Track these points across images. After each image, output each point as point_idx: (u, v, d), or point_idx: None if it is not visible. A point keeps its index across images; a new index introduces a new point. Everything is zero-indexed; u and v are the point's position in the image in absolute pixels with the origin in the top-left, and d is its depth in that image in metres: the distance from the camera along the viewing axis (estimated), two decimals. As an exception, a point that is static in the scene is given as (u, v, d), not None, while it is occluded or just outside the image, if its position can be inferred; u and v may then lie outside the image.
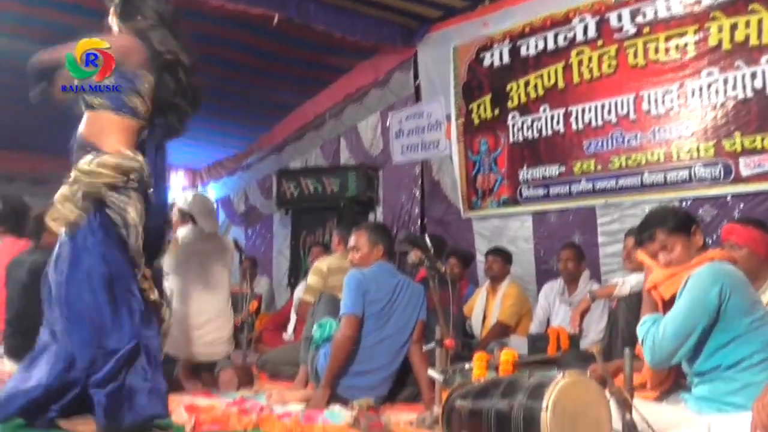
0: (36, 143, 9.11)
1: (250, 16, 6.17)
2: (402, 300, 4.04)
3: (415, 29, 7.22)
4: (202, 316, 4.51)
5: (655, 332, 2.68)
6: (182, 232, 4.67)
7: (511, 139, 6.47)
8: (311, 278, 4.83)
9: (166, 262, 4.45)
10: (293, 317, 6.12)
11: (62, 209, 3.02)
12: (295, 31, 6.58)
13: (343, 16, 6.64)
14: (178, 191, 11.26)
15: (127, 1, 3.32)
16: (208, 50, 7.13)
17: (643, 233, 2.88)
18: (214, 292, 4.57)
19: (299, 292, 6.24)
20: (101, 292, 2.94)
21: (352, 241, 4.23)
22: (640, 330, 2.77)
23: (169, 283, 4.44)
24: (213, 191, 11.23)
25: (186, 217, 4.73)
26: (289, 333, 6.14)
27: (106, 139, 3.08)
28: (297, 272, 8.12)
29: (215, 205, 5.37)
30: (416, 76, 7.49)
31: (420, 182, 7.50)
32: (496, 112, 6.58)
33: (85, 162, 3.02)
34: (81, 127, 3.15)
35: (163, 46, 3.29)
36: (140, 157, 3.09)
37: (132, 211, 3.02)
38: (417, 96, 7.49)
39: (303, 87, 8.33)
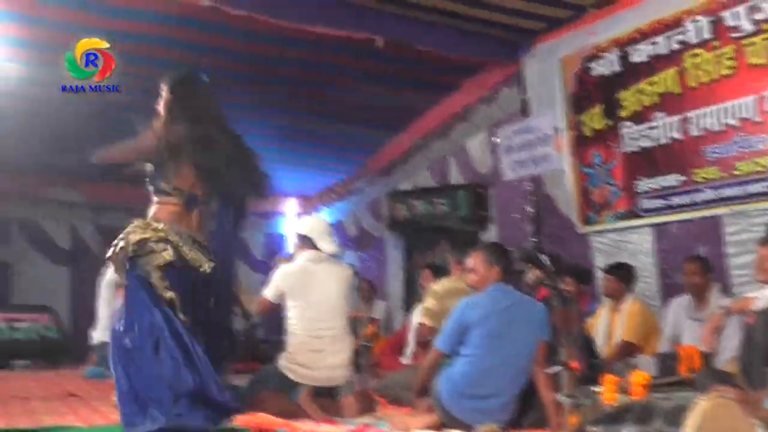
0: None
1: (353, 40, 6.24)
2: (521, 321, 3.93)
3: (520, 43, 7.10)
4: (322, 340, 4.53)
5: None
6: (303, 256, 4.71)
7: (625, 150, 6.25)
8: (428, 301, 4.79)
9: (288, 287, 4.51)
10: (411, 341, 6.09)
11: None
12: (399, 52, 6.60)
13: (446, 34, 6.62)
14: (292, 218, 11.52)
15: (176, 97, 3.56)
16: (314, 77, 7.29)
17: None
18: (334, 316, 4.59)
19: (416, 315, 6.21)
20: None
21: (468, 262, 4.17)
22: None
23: (289, 308, 4.50)
24: (321, 215, 11.40)
25: (305, 241, 4.78)
26: (406, 357, 6.10)
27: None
28: (411, 295, 8.10)
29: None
30: (523, 91, 7.36)
31: (532, 198, 7.36)
32: (608, 122, 6.38)
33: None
34: None
35: (199, 140, 3.48)
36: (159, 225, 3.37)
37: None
38: (524, 110, 7.35)
39: (409, 108, 8.34)
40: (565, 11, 6.54)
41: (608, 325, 5.65)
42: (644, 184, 6.11)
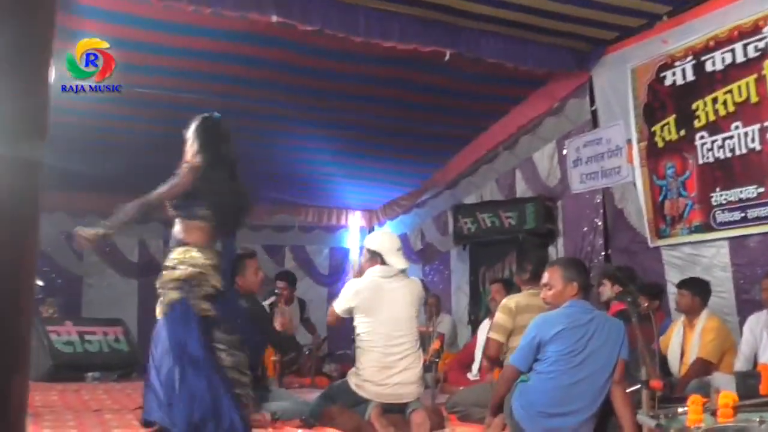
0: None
1: (421, 54, 6.22)
2: (599, 337, 3.83)
3: (589, 53, 6.98)
4: (392, 356, 4.49)
5: None
6: (373, 271, 4.69)
7: (700, 161, 6.06)
8: (499, 316, 4.70)
9: (359, 303, 4.50)
10: (478, 356, 6.00)
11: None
12: (466, 65, 6.56)
13: (514, 45, 6.54)
14: (356, 232, 11.53)
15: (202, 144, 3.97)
16: (379, 92, 7.29)
17: None
18: (405, 331, 4.55)
19: (483, 330, 6.13)
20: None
21: (545, 277, 4.08)
22: None
23: (359, 324, 4.48)
24: (389, 230, 11.38)
25: (375, 256, 4.76)
26: (474, 372, 6.02)
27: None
28: (477, 309, 8.02)
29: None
30: (592, 101, 7.23)
31: (602, 211, 7.20)
32: (682, 132, 6.21)
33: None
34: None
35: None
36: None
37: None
38: (594, 122, 7.22)
39: (475, 120, 8.28)
40: (636, 20, 6.41)
41: (682, 342, 5.48)
42: (720, 197, 5.92)
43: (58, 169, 4.81)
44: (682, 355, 5.47)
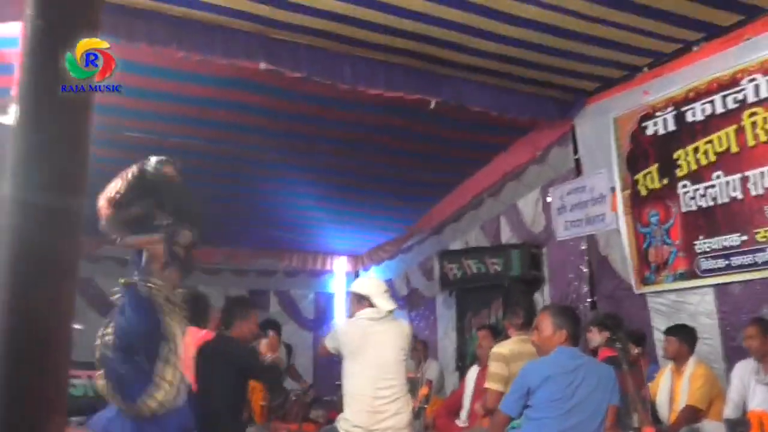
0: (206, 237, 9.60)
1: (407, 101, 6.30)
2: (588, 384, 3.82)
3: (572, 102, 7.10)
4: (382, 400, 4.45)
5: None
6: (362, 314, 4.68)
7: (683, 209, 6.13)
8: (494, 365, 4.68)
9: (346, 344, 4.49)
10: (466, 403, 5.97)
11: None
12: (451, 113, 6.65)
13: (498, 95, 6.64)
14: (342, 277, 11.52)
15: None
16: (365, 138, 7.35)
17: None
18: (394, 375, 4.52)
19: (472, 376, 6.11)
20: None
21: (536, 321, 4.11)
22: None
23: (347, 367, 4.46)
24: (374, 275, 11.37)
25: (362, 300, 4.76)
26: (462, 419, 5.98)
27: None
28: (464, 355, 7.98)
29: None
30: (575, 150, 7.33)
31: (587, 258, 7.23)
32: (665, 181, 6.29)
33: None
34: None
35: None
36: None
37: None
38: (578, 169, 7.31)
39: (460, 167, 8.37)
40: (618, 71, 6.54)
41: (671, 389, 5.48)
42: (704, 244, 5.98)
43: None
44: (671, 402, 5.47)
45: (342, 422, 4.50)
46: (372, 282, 4.99)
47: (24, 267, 0.96)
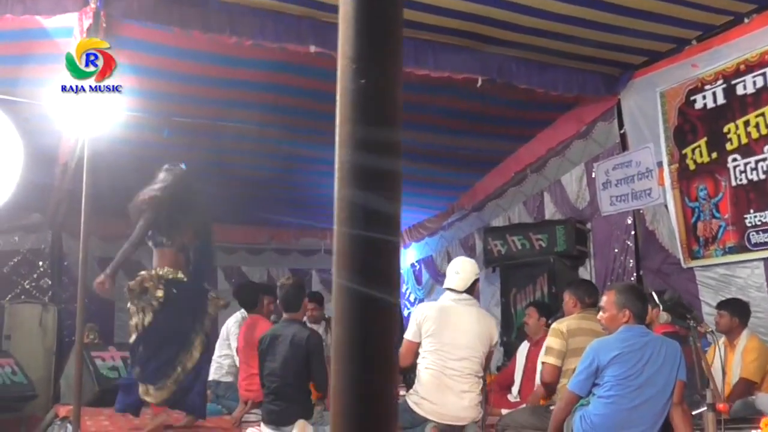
0: (251, 218, 9.75)
1: (453, 80, 6.33)
2: (656, 361, 3.87)
3: (618, 77, 7.07)
4: (452, 379, 4.49)
5: None
6: (444, 295, 4.76)
7: (733, 183, 6.12)
8: (551, 340, 4.73)
9: (423, 323, 4.55)
10: (517, 378, 6.05)
11: None
12: (496, 90, 6.66)
13: (543, 71, 6.65)
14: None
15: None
16: (410, 117, 7.38)
17: None
18: (465, 356, 4.56)
19: (522, 352, 6.18)
20: None
21: (601, 300, 4.15)
22: None
23: (422, 344, 4.54)
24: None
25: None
26: (514, 394, 6.06)
27: None
28: (509, 330, 8.04)
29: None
30: (621, 125, 7.31)
31: (633, 233, 7.24)
32: (714, 155, 6.28)
33: None
34: None
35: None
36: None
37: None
38: (623, 145, 7.29)
39: (503, 144, 8.37)
40: (665, 44, 6.50)
41: (723, 362, 5.51)
42: (754, 218, 5.97)
43: (92, 195, 5.03)
44: (724, 375, 5.50)
45: (412, 395, 4.57)
46: (450, 266, 5.02)
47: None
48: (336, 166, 0.98)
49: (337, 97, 1.00)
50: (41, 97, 5.71)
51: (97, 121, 5.28)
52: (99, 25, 5.02)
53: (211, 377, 6.34)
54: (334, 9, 5.39)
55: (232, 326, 6.72)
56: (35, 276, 9.53)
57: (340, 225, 0.98)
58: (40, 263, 9.64)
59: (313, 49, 5.62)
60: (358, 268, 0.95)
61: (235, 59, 5.98)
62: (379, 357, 0.94)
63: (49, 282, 9.55)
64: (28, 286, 9.44)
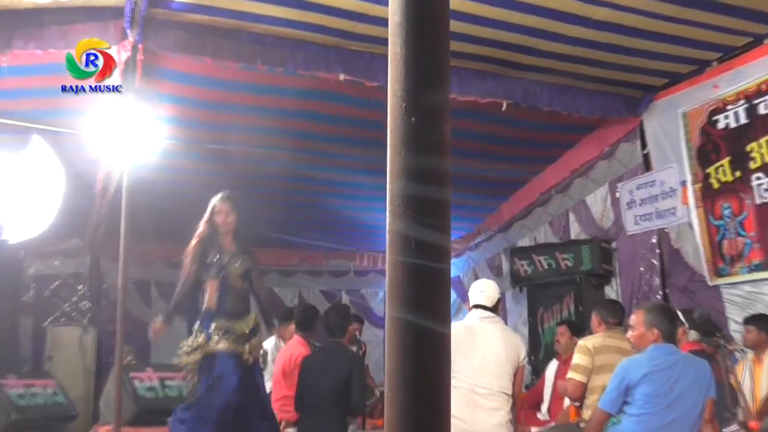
0: (282, 241, 9.93)
1: (479, 105, 6.47)
2: (685, 379, 3.95)
3: (640, 99, 7.18)
4: (480, 397, 4.59)
5: None
6: (470, 314, 4.89)
7: (757, 201, 6.18)
8: (577, 357, 4.82)
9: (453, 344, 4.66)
10: (546, 396, 6.13)
11: None
12: (521, 114, 6.80)
13: (566, 94, 6.78)
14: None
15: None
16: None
17: None
18: (493, 374, 4.66)
19: (552, 369, 6.26)
20: None
21: (630, 319, 4.25)
22: None
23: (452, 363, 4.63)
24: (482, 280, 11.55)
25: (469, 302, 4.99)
26: (543, 412, 6.13)
27: None
28: (537, 349, 8.12)
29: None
30: (644, 145, 7.41)
31: (658, 251, 7.32)
32: (737, 174, 6.35)
33: None
34: None
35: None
36: None
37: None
38: (647, 165, 7.38)
39: (528, 165, 8.50)
40: (686, 66, 6.60)
41: (752, 378, 5.56)
42: (779, 236, 6.04)
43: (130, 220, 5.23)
44: (753, 390, 5.55)
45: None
46: (473, 286, 5.18)
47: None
48: (387, 199, 1.01)
49: (388, 133, 1.05)
50: (81, 127, 5.93)
51: (136, 149, 5.51)
52: (137, 58, 5.25)
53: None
54: (362, 38, 5.61)
55: (269, 350, 6.83)
56: (75, 299, 9.74)
57: (393, 256, 0.99)
58: (80, 287, 9.86)
59: (342, 77, 5.81)
60: (411, 300, 0.98)
61: (266, 87, 6.18)
62: (431, 393, 0.98)
63: (88, 305, 9.75)
64: (68, 309, 9.66)
